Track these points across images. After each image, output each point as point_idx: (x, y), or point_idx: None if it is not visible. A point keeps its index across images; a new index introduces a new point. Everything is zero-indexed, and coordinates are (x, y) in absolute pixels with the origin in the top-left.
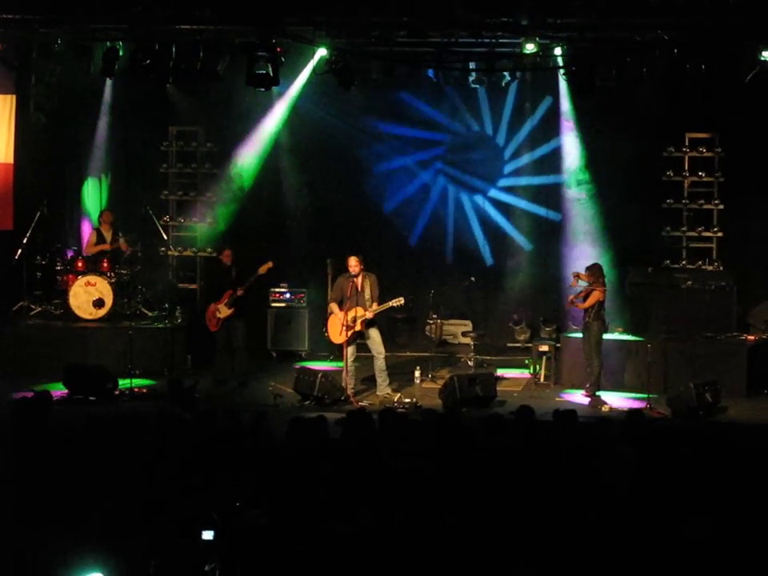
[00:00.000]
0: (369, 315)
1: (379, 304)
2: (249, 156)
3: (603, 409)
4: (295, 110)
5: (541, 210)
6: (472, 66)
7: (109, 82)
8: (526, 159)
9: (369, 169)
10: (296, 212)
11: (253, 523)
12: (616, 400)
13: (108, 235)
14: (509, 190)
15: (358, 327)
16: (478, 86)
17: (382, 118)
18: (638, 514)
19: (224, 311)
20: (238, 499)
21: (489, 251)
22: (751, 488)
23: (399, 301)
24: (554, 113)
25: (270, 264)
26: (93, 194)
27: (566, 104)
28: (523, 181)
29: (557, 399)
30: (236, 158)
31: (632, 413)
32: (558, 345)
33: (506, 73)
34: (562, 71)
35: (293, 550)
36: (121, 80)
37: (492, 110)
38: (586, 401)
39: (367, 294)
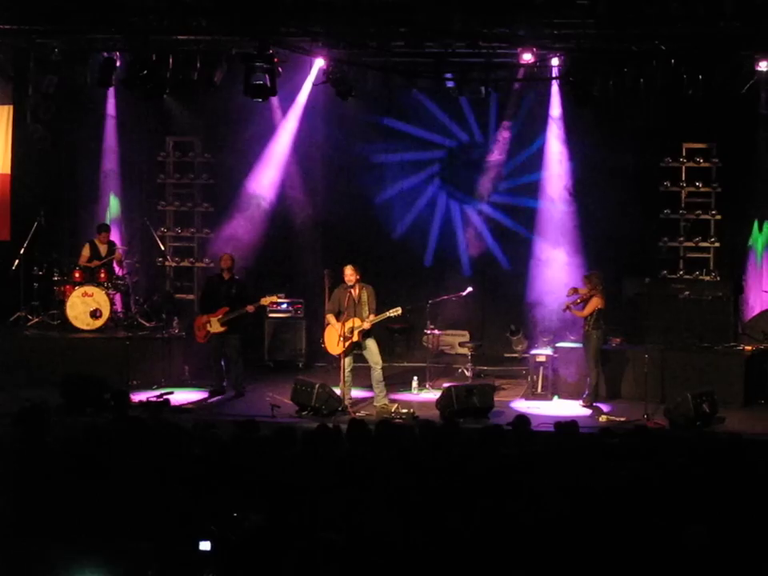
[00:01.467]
0: (366, 326)
1: (376, 315)
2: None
3: (601, 419)
4: (296, 120)
5: (538, 219)
6: (489, 76)
7: (99, 91)
8: (524, 166)
9: (367, 181)
10: (294, 222)
11: (251, 527)
12: (613, 410)
13: (102, 247)
14: (506, 201)
15: (355, 338)
16: (469, 96)
17: (386, 115)
18: (637, 523)
19: (215, 327)
20: (234, 509)
21: (487, 261)
22: (749, 498)
23: (397, 311)
24: (548, 121)
25: (275, 298)
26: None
27: (561, 114)
28: (520, 192)
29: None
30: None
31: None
32: (555, 355)
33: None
34: (558, 81)
35: (289, 559)
36: (118, 90)
37: (485, 120)
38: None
39: (365, 305)
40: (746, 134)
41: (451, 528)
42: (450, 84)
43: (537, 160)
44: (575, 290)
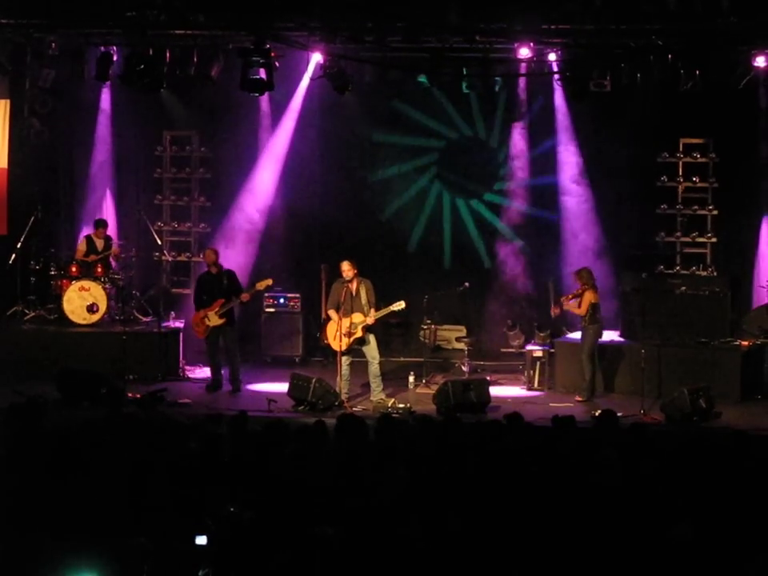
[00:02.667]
0: (370, 321)
1: (375, 309)
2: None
3: (597, 414)
4: (293, 114)
5: (536, 214)
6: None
7: (96, 85)
8: (520, 163)
9: (365, 171)
10: (290, 216)
11: (243, 522)
12: (610, 405)
13: (99, 242)
14: (503, 193)
15: (359, 333)
16: (470, 91)
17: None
18: (626, 518)
19: (214, 320)
20: (230, 503)
21: (483, 256)
22: (742, 493)
23: (400, 305)
24: (547, 118)
25: (270, 281)
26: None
27: (560, 110)
28: (518, 185)
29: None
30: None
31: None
32: (552, 350)
33: (498, 78)
34: (556, 77)
35: (285, 554)
36: (115, 85)
37: (489, 115)
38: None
39: (363, 299)
40: (743, 129)
41: (448, 523)
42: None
43: (533, 155)
44: (566, 298)
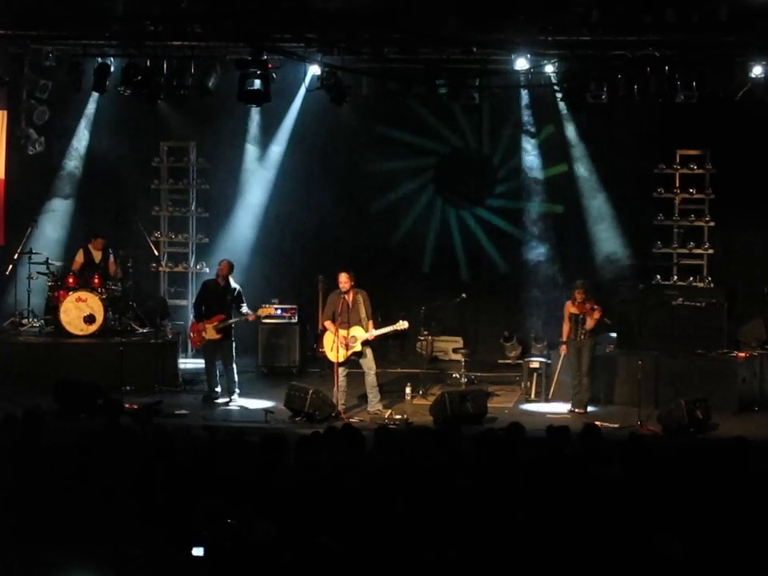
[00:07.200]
0: (370, 338)
1: (372, 320)
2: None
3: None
4: (290, 126)
5: (532, 226)
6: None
7: (93, 96)
8: (518, 176)
9: (362, 187)
10: (288, 228)
11: (258, 534)
12: (607, 416)
13: (97, 254)
14: (500, 206)
15: (358, 348)
16: (464, 102)
17: (382, 125)
18: (618, 530)
19: (211, 333)
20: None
21: (480, 268)
22: (738, 506)
23: (402, 325)
24: (545, 128)
25: (272, 310)
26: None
27: (557, 121)
28: (515, 198)
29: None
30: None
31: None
32: (549, 361)
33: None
34: (555, 88)
35: (284, 565)
36: (112, 96)
37: (487, 126)
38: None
39: (362, 311)
40: (740, 140)
41: (448, 534)
42: (443, 90)
43: (530, 164)
44: (592, 313)
